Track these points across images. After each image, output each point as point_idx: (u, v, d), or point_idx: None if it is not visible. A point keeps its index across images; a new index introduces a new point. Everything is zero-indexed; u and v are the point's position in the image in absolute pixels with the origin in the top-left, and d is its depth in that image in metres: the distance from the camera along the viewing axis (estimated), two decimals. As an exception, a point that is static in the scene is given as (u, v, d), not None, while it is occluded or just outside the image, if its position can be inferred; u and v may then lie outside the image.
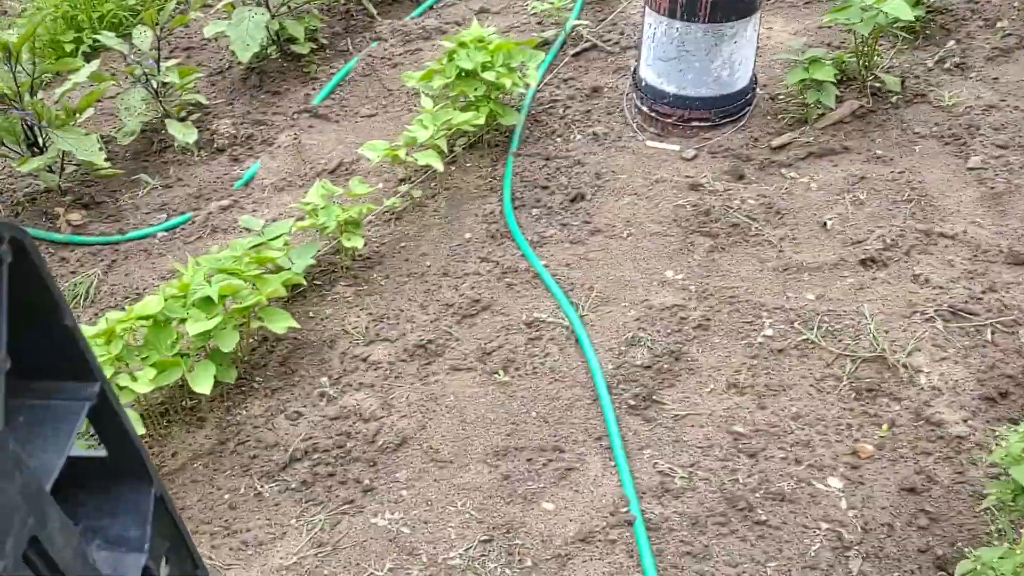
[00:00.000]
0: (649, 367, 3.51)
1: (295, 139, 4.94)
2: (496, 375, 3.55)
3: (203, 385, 3.22)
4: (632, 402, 3.39)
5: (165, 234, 4.49)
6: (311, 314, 3.96)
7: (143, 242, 4.46)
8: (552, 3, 5.44)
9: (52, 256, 4.39)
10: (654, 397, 3.41)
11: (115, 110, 5.10)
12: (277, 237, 3.85)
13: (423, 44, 5.67)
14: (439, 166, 4.20)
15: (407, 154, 4.23)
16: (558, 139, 4.78)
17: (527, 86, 4.72)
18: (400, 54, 5.56)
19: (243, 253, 3.54)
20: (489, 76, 4.45)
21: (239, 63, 5.31)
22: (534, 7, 5.88)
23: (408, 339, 3.76)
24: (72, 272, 4.29)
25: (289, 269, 3.79)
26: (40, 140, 4.48)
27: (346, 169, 4.77)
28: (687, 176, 4.39)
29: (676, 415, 3.34)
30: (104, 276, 4.26)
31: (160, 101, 4.93)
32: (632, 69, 4.97)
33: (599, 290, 3.91)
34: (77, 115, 4.48)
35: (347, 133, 5.09)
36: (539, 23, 5.75)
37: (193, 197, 4.72)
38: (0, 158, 4.64)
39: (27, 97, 4.32)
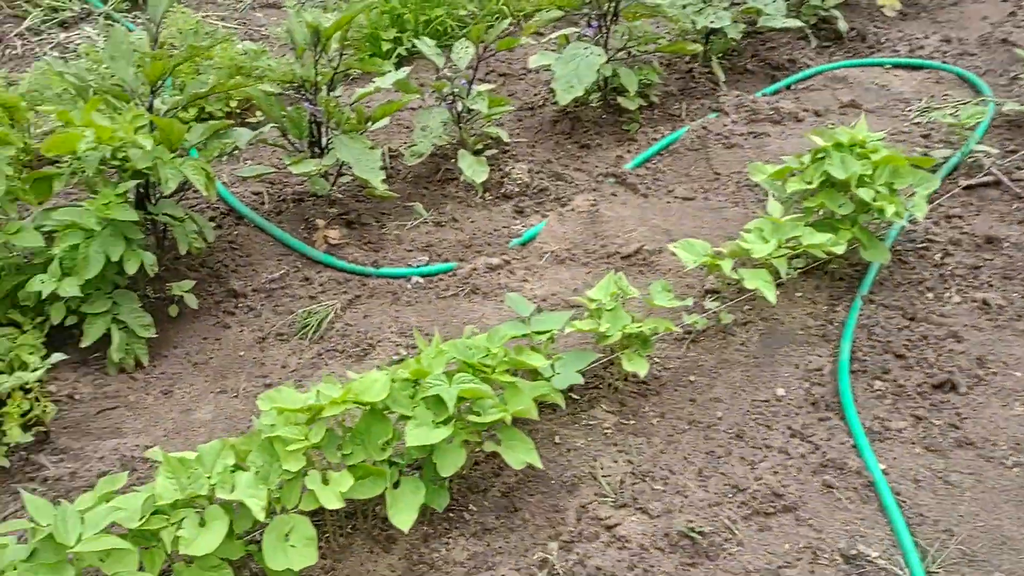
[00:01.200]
0: None
1: (593, 205, 4.12)
2: (788, 626, 2.46)
3: (403, 518, 2.42)
4: None
5: (420, 280, 3.81)
6: (556, 439, 3.07)
7: (394, 282, 3.81)
8: (955, 119, 4.22)
9: (297, 273, 3.85)
10: None
11: (409, 123, 4.55)
12: (544, 333, 3.01)
13: (771, 128, 4.66)
14: (771, 296, 3.17)
15: (732, 269, 3.24)
16: (928, 295, 3.58)
17: (911, 219, 3.58)
18: (741, 134, 4.59)
19: (498, 351, 2.71)
20: (864, 194, 3.36)
21: (555, 104, 4.59)
22: (924, 115, 4.68)
23: (673, 519, 2.76)
24: (312, 297, 3.72)
25: (548, 380, 2.92)
26: (323, 140, 3.99)
27: (644, 258, 3.87)
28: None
29: None
30: (341, 312, 3.64)
31: (460, 127, 4.31)
32: (1058, 228, 3.66)
33: (961, 539, 2.69)
34: (370, 123, 3.94)
35: (654, 212, 4.20)
36: (924, 136, 4.55)
37: (463, 245, 4.02)
38: (277, 148, 4.22)
39: (323, 91, 3.82)
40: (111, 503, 2.22)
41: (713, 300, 3.62)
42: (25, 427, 2.93)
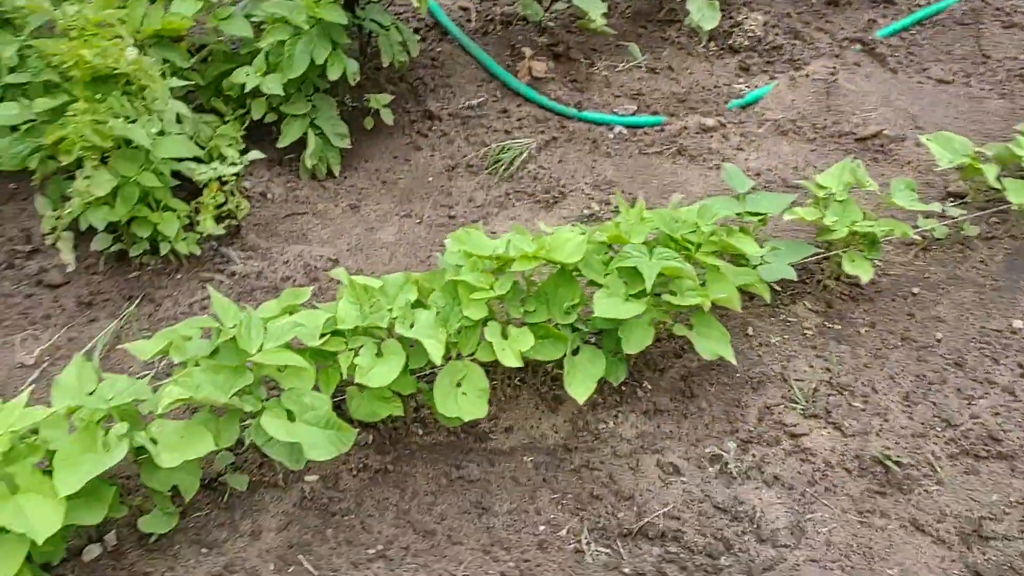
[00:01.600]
0: None
1: (832, 74, 3.61)
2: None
3: (580, 389, 2.28)
4: None
5: (624, 130, 3.51)
6: (749, 330, 2.81)
7: (595, 129, 3.53)
8: None
9: (496, 103, 3.63)
10: None
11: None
12: (759, 215, 2.69)
13: (1066, 9, 3.90)
14: (1038, 214, 2.69)
15: (997, 178, 2.75)
16: None
17: None
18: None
19: (707, 228, 2.43)
20: None
21: (808, -52, 3.99)
22: None
23: (869, 442, 2.49)
24: (507, 132, 3.50)
25: (755, 268, 2.63)
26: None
27: (881, 144, 3.39)
28: None
29: None
30: (536, 152, 3.42)
31: (695, -39, 3.83)
32: None
33: None
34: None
35: (902, 92, 3.65)
36: None
37: (676, 98, 3.65)
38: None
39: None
40: (294, 317, 2.18)
41: (955, 206, 3.14)
42: (218, 219, 2.95)
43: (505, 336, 2.27)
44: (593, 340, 2.56)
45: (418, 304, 2.30)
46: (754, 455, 2.48)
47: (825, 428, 2.54)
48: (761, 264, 2.63)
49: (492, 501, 2.38)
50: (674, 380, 2.68)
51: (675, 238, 2.43)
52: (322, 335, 2.17)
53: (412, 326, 2.19)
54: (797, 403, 2.61)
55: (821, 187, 2.73)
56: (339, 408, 2.26)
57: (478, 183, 3.36)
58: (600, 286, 2.34)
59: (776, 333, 2.80)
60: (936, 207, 2.73)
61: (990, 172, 2.70)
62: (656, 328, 2.45)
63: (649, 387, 2.66)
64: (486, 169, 3.39)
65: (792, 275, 2.61)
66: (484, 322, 2.27)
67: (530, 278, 2.43)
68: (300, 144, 3.28)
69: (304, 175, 3.31)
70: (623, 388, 2.65)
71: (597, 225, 2.48)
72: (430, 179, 3.40)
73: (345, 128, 3.31)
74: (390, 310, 2.19)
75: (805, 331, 2.81)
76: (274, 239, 3.10)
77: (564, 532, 2.31)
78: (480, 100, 3.61)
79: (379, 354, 2.16)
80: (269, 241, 3.08)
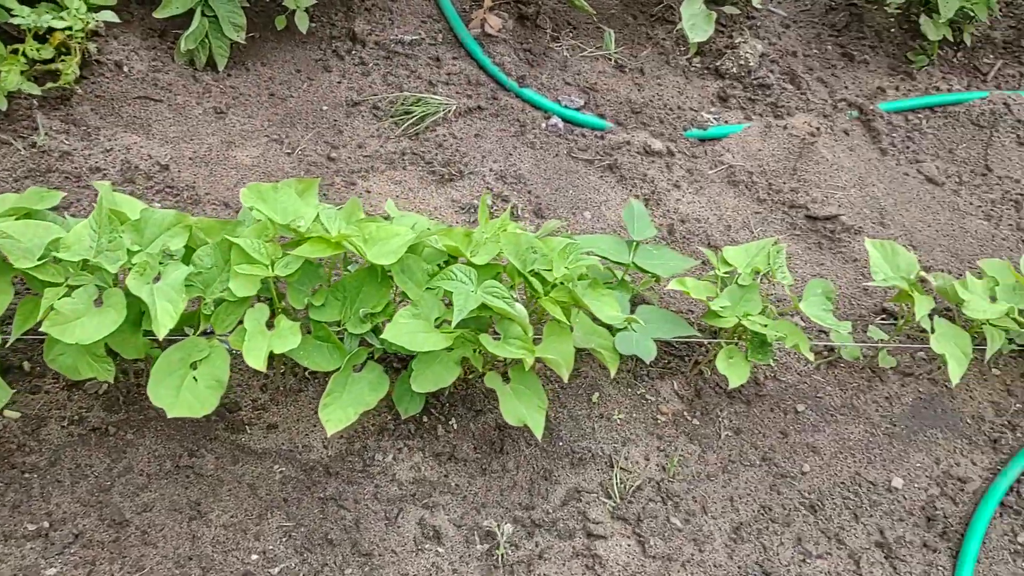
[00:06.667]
0: None
1: (813, 134, 3.15)
2: None
3: (335, 415, 1.86)
4: None
5: (560, 124, 3.05)
6: (595, 397, 2.39)
7: (529, 111, 3.06)
8: None
9: (432, 47, 3.14)
10: None
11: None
12: (647, 272, 2.25)
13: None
14: (955, 375, 2.26)
15: (929, 316, 2.32)
16: None
17: None
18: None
19: (566, 271, 1.99)
20: None
21: (841, -14, 3.49)
22: None
23: (669, 572, 2.10)
24: (431, 84, 3.03)
25: (615, 331, 2.20)
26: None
27: (833, 231, 2.95)
28: None
29: None
30: (454, 118, 2.95)
31: (708, -38, 3.32)
32: None
33: None
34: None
35: (882, 178, 3.19)
36: None
37: (632, 106, 3.18)
38: None
39: None
40: (12, 224, 1.75)
41: (884, 324, 2.72)
42: (39, 78, 2.48)
43: (271, 326, 1.85)
44: (396, 359, 2.14)
45: (189, 251, 1.87)
46: (536, 544, 2.08)
47: (629, 538, 2.15)
48: (623, 330, 2.21)
49: (213, 506, 1.99)
50: (488, 427, 2.27)
51: (524, 273, 1.99)
52: (42, 257, 1.74)
53: (157, 278, 1.76)
54: (612, 498, 2.21)
55: (726, 263, 2.30)
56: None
57: (377, 130, 2.91)
58: (410, 302, 1.91)
59: (624, 408, 2.39)
60: (845, 327, 2.30)
61: (922, 308, 2.27)
62: (465, 368, 2.03)
63: (456, 427, 2.25)
64: (391, 117, 2.93)
65: (648, 355, 2.19)
66: (252, 303, 1.84)
67: (348, 263, 2.00)
68: (187, 22, 2.80)
69: (179, 58, 2.84)
70: (424, 419, 2.24)
71: (439, 227, 2.04)
72: (325, 108, 2.93)
73: (243, 19, 2.83)
74: (133, 252, 1.76)
75: (658, 416, 2.41)
76: (110, 120, 2.64)
77: (275, 572, 1.92)
78: (416, 38, 3.12)
79: (99, 301, 1.73)
80: (103, 121, 2.63)
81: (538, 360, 2.02)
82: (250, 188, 1.88)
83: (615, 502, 2.20)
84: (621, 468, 2.27)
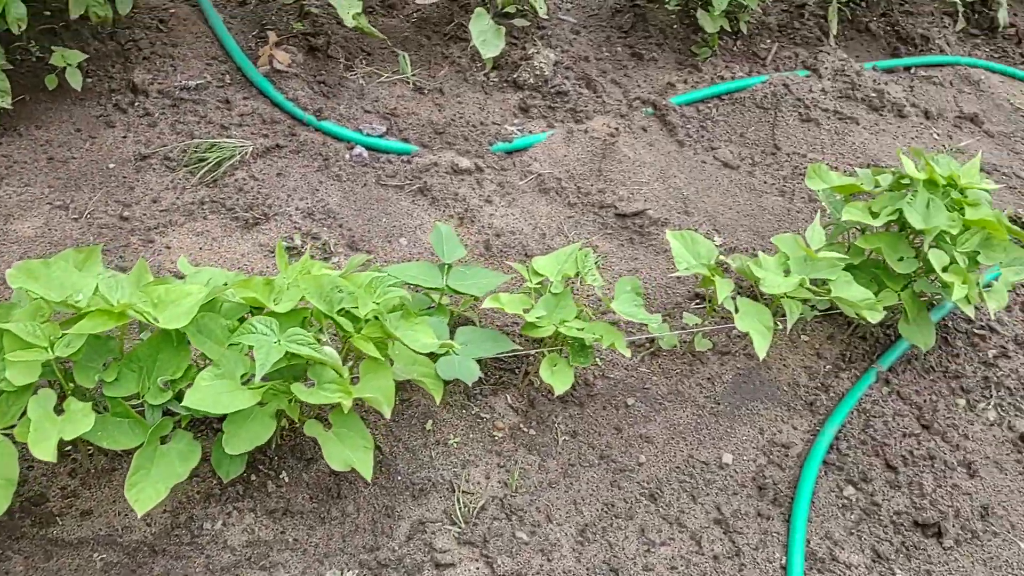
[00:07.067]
0: None
1: (612, 135, 3.26)
2: None
3: (145, 494, 1.76)
4: None
5: (365, 153, 3.02)
6: (428, 425, 2.38)
7: (331, 144, 3.01)
8: (1091, 187, 3.28)
9: (220, 90, 3.04)
10: None
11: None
12: (461, 295, 2.25)
13: (864, 114, 3.72)
14: (761, 349, 2.39)
15: (732, 297, 2.44)
16: (959, 401, 2.79)
17: (978, 307, 2.76)
18: (826, 109, 3.65)
19: (374, 306, 1.96)
20: (935, 258, 2.52)
21: (622, -11, 3.64)
22: (1050, 165, 3.73)
23: (520, 587, 2.11)
24: (224, 127, 2.93)
25: (438, 357, 2.20)
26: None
27: (641, 226, 3.06)
28: None
29: None
30: (252, 159, 2.87)
31: (492, -22, 3.38)
32: None
33: None
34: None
35: (682, 169, 3.34)
36: (1043, 190, 3.63)
37: (435, 128, 3.19)
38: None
39: None
40: None
41: (699, 308, 2.85)
42: None
43: (61, 411, 1.73)
44: (215, 420, 2.05)
45: (-42, 347, 1.72)
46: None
47: (477, 561, 2.14)
48: (446, 354, 2.20)
49: (27, 612, 1.84)
50: (322, 474, 2.21)
51: (330, 315, 1.95)
52: None
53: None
54: (457, 524, 2.20)
55: (536, 274, 2.34)
56: None
57: (171, 182, 2.78)
58: (210, 363, 1.83)
59: (460, 431, 2.39)
60: (656, 320, 2.39)
61: (723, 291, 2.39)
62: (288, 419, 1.97)
63: (287, 479, 2.18)
64: (185, 167, 2.81)
65: (471, 377, 2.20)
66: (35, 390, 1.72)
67: (142, 330, 1.89)
68: (-58, 92, 2.60)
69: (-63, 132, 2.63)
70: (252, 477, 2.16)
71: (238, 279, 1.97)
72: (112, 165, 2.78)
73: (7, 83, 2.65)
74: None
75: (495, 433, 2.42)
76: None
77: (103, 668, 1.79)
78: (202, 82, 3.02)
79: None
80: None
81: (359, 400, 1.98)
82: (17, 268, 1.75)
83: (460, 527, 2.19)
84: (463, 492, 2.27)
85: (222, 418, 1.94)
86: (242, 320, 1.94)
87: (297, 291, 1.94)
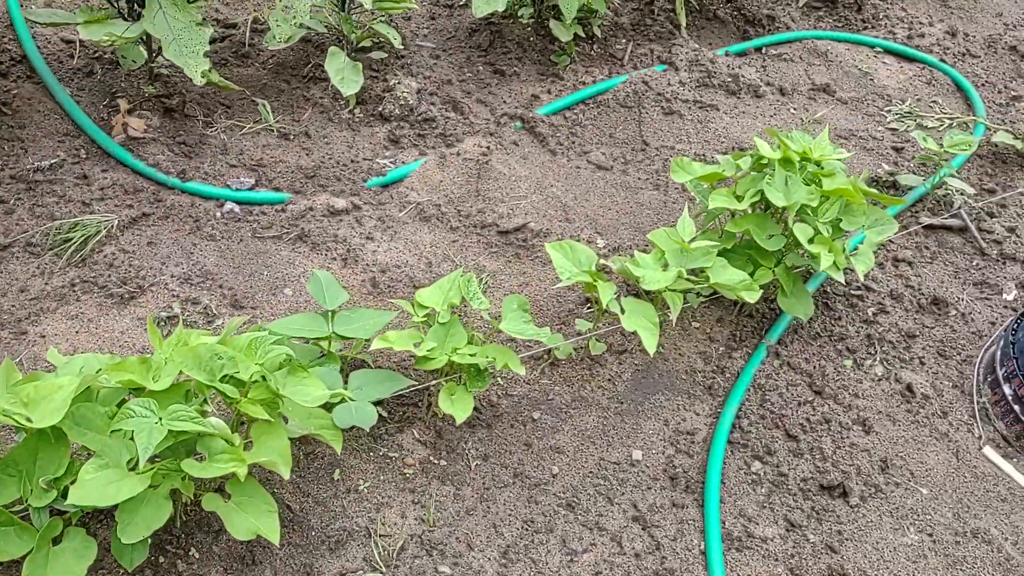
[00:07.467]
0: None
1: (484, 154, 3.30)
2: None
3: None
4: None
5: (237, 208, 2.98)
6: (336, 474, 2.36)
7: (200, 204, 2.96)
8: (935, 144, 3.47)
9: (76, 165, 2.96)
10: None
11: (287, -3, 3.57)
12: (349, 339, 2.24)
13: (723, 99, 3.86)
14: (651, 345, 2.45)
15: (616, 299, 2.50)
16: (846, 362, 2.92)
17: (848, 271, 2.89)
18: (686, 100, 3.78)
19: (255, 369, 1.94)
20: (800, 232, 2.64)
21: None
22: (903, 121, 3.94)
23: (449, 621, 2.11)
24: (85, 204, 2.85)
25: (333, 406, 2.18)
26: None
27: (524, 240, 3.10)
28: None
29: None
30: (118, 232, 2.80)
31: (342, 14, 3.38)
32: (1012, 322, 3.01)
33: None
34: (213, -12, 2.99)
35: (558, 177, 3.40)
36: (896, 148, 3.82)
37: (305, 172, 3.17)
38: (82, 5, 3.24)
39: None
40: None
41: (590, 312, 2.90)
42: None
43: None
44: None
45: None
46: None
47: (404, 603, 2.14)
48: (341, 402, 2.19)
49: None
50: (234, 543, 2.17)
51: (213, 384, 1.92)
52: None
53: None
54: (377, 568, 2.19)
55: (421, 307, 2.35)
56: None
57: (38, 268, 2.69)
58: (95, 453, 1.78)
59: (370, 475, 2.38)
60: (545, 333, 2.43)
61: (605, 295, 2.44)
62: (178, 499, 1.93)
63: (198, 556, 2.13)
64: (50, 250, 2.72)
65: (368, 422, 2.19)
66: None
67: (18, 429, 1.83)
68: None
69: None
70: (160, 559, 2.10)
71: (112, 362, 1.92)
72: (-30, 261, 2.68)
73: None
74: None
75: (406, 470, 2.41)
76: None
77: None
78: (56, 160, 2.92)
79: None
80: None
81: (257, 464, 1.95)
82: None
83: (382, 572, 2.18)
84: (380, 535, 2.26)
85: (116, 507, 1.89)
86: (123, 403, 1.88)
87: (174, 365, 1.90)
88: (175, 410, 1.79)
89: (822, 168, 2.78)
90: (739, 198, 2.71)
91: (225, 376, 1.96)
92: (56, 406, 1.75)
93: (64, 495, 1.78)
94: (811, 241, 2.64)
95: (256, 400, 1.95)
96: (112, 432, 1.82)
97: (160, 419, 1.78)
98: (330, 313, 2.33)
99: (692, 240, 2.63)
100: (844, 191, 2.71)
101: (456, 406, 2.27)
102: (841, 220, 2.74)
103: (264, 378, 1.97)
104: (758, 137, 2.82)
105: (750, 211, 2.76)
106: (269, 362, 2.01)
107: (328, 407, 2.18)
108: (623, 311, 2.49)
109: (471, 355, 2.29)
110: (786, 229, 2.73)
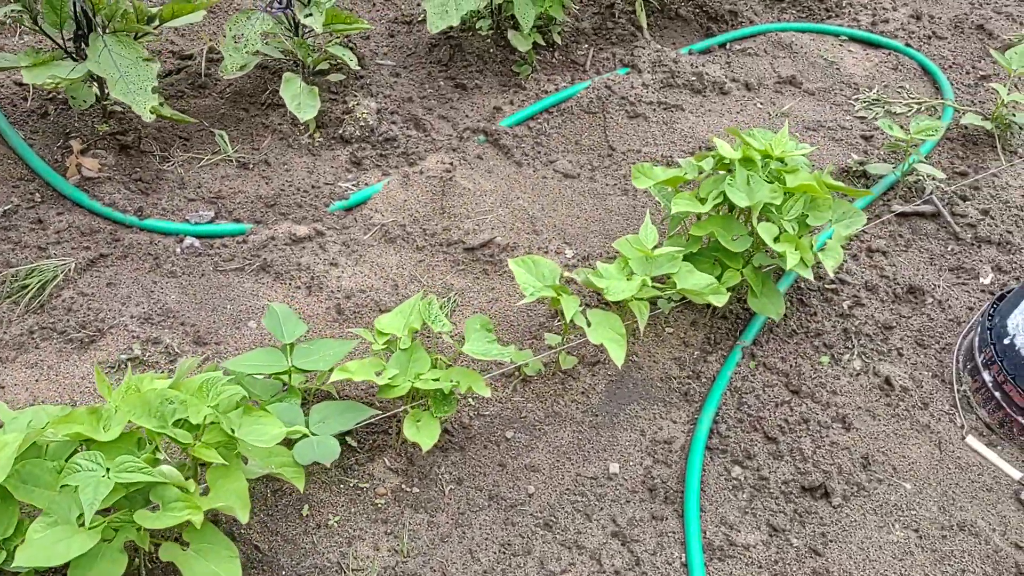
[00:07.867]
0: None
1: (448, 170, 3.26)
2: None
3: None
4: None
5: (197, 243, 2.94)
6: (305, 510, 2.31)
7: (159, 241, 2.92)
8: (902, 132, 3.43)
9: (31, 210, 2.92)
10: None
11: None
12: (308, 372, 2.20)
13: (688, 99, 3.82)
14: (618, 357, 2.41)
15: (582, 312, 2.46)
16: (823, 358, 2.88)
17: (816, 265, 2.85)
18: (650, 102, 3.74)
19: (206, 412, 1.90)
20: (765, 231, 2.60)
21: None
22: (871, 108, 3.90)
23: (426, 655, 2.07)
24: (41, 248, 2.81)
25: (294, 442, 2.14)
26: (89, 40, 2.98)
27: (491, 255, 3.06)
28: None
29: None
30: (76, 275, 2.76)
31: (296, 39, 3.34)
32: (988, 307, 2.97)
33: None
34: (158, 24, 2.95)
35: (525, 189, 3.36)
36: (865, 137, 3.78)
37: (265, 201, 3.13)
38: (28, 47, 3.20)
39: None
40: None
41: (560, 325, 2.86)
42: None
43: None
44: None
45: None
46: None
47: (378, 640, 2.09)
48: (302, 438, 2.15)
49: None
50: (201, 588, 2.12)
51: (164, 431, 1.88)
52: None
53: None
54: (352, 606, 2.15)
55: (381, 334, 2.30)
56: None
57: (-5, 317, 2.65)
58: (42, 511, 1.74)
59: (341, 508, 2.33)
60: (510, 352, 2.39)
61: (569, 309, 2.40)
62: (138, 550, 1.88)
63: (164, 605, 2.09)
64: (8, 297, 2.68)
65: (329, 457, 2.14)
66: None
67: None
68: None
69: None
70: (127, 611, 2.05)
71: (61, 413, 1.88)
72: (-74, 315, 2.64)
73: None
74: None
75: (377, 500, 2.37)
76: None
77: None
78: (10, 206, 2.88)
79: None
80: None
81: (214, 511, 1.91)
82: None
83: (355, 608, 2.14)
84: (353, 570, 2.21)
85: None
86: (73, 456, 1.84)
87: (123, 414, 1.86)
88: (123, 461, 1.75)
89: (785, 164, 2.75)
90: (702, 201, 2.67)
91: (179, 421, 1.91)
92: (0, 465, 1.70)
93: (13, 556, 1.73)
94: (776, 240, 2.60)
95: (210, 444, 1.91)
96: (61, 487, 1.78)
97: (108, 471, 1.74)
98: (288, 347, 2.29)
99: (656, 246, 2.59)
100: (808, 187, 2.67)
101: (422, 433, 2.23)
102: (807, 216, 2.70)
103: (217, 420, 1.93)
104: (718, 138, 2.78)
105: (714, 213, 2.73)
106: (223, 402, 1.96)
107: (290, 443, 2.13)
108: (589, 324, 2.45)
109: (434, 380, 2.25)
110: (752, 229, 2.69)
